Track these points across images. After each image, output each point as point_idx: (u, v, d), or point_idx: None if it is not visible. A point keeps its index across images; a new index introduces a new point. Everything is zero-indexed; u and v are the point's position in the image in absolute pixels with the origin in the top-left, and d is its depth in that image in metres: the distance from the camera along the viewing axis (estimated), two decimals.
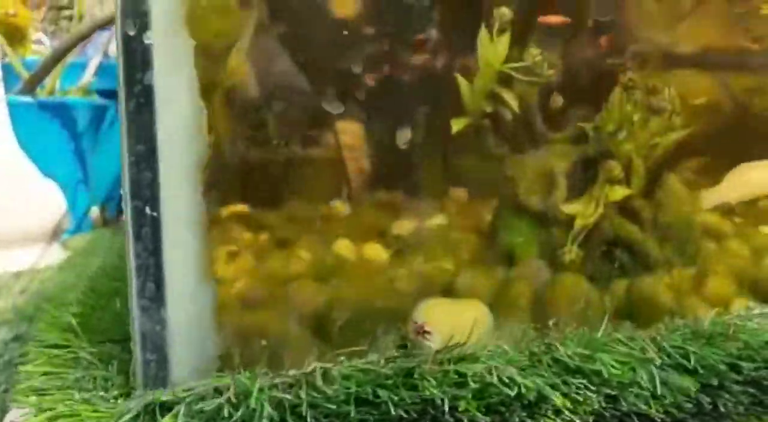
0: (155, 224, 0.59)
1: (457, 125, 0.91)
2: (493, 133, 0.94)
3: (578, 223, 0.88)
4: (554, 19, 1.45)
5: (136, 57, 0.56)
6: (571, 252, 0.86)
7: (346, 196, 2.18)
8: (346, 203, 1.72)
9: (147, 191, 0.58)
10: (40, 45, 2.79)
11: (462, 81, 0.92)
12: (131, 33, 0.55)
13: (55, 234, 1.95)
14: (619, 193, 0.91)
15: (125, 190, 0.58)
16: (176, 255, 0.60)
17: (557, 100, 1.47)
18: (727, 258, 0.99)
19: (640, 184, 0.94)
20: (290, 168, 1.83)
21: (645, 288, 0.83)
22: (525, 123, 0.99)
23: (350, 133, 2.37)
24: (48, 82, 2.27)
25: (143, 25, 0.56)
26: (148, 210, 0.58)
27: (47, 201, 1.92)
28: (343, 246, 1.23)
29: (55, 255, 1.86)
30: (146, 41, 0.56)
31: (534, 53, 0.89)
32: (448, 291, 0.83)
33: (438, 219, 1.51)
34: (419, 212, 1.59)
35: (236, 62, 0.77)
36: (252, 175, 1.12)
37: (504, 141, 0.94)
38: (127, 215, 0.58)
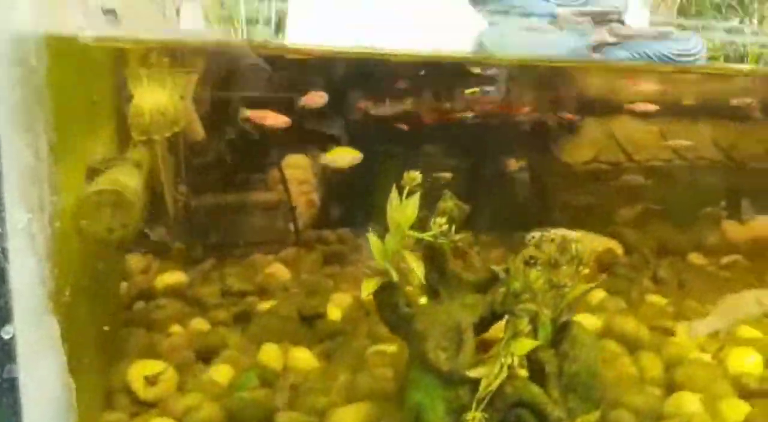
0: None
1: (367, 288, 0.92)
2: (404, 291, 0.95)
3: (483, 386, 0.90)
4: None
5: None
6: (475, 420, 0.88)
7: (294, 235, 2.17)
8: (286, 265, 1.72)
9: None
10: None
11: (374, 241, 0.92)
12: None
13: None
14: (527, 345, 0.93)
15: None
16: None
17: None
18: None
19: (547, 335, 0.97)
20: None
21: None
22: (437, 271, 1.00)
23: (301, 167, 2.34)
24: None
25: (3, 319, 0.55)
26: None
27: None
28: (270, 353, 1.24)
29: None
30: (6, 336, 0.55)
31: (440, 222, 0.90)
32: None
33: None
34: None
35: None
36: None
37: (415, 297, 0.96)
38: None
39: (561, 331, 0.98)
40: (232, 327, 1.38)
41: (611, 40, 2.13)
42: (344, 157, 1.23)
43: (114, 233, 0.78)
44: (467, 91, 1.75)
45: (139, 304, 1.53)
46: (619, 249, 1.91)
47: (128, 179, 0.91)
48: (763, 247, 1.93)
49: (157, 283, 1.60)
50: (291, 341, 1.29)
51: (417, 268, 0.89)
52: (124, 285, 1.62)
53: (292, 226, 2.12)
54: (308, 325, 1.39)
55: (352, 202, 2.10)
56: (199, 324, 1.39)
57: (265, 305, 1.48)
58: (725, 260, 1.86)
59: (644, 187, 1.98)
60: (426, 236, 0.91)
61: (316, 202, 2.20)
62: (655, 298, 1.52)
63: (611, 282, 1.61)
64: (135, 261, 1.74)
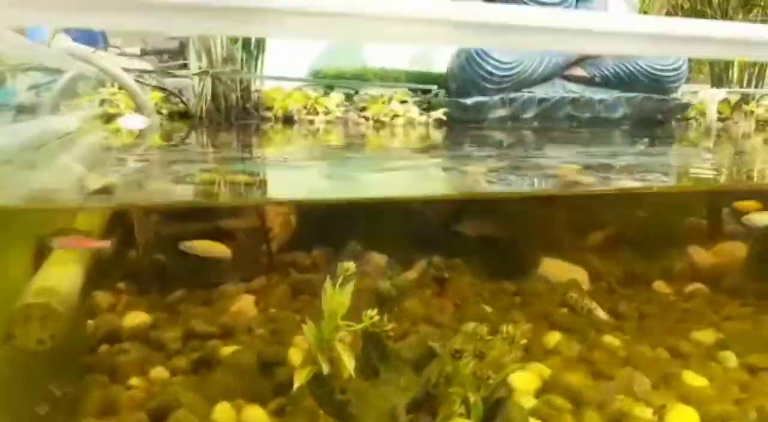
0: None
1: (299, 378, 0.94)
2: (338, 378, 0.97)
3: None
4: None
5: None
6: None
7: (267, 262, 2.19)
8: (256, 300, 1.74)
9: None
10: None
11: (309, 329, 0.94)
12: None
13: None
14: None
15: None
16: None
17: None
18: None
19: (479, 414, 1.00)
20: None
21: None
22: (377, 351, 1.02)
23: None
24: None
25: None
26: None
27: None
28: (222, 413, 1.27)
29: None
30: None
31: (370, 314, 0.92)
32: None
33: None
34: None
35: None
36: None
37: (348, 383, 0.98)
38: None
39: (494, 408, 1.00)
40: (191, 375, 1.41)
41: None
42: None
43: (44, 344, 0.80)
44: None
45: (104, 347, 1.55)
46: (583, 277, 1.94)
47: (63, 274, 0.93)
48: (728, 273, 1.95)
49: (123, 324, 1.62)
50: (247, 395, 1.31)
51: (347, 361, 0.91)
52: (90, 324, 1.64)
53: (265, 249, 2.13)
54: (268, 374, 1.41)
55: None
56: (160, 373, 1.41)
57: (227, 349, 1.50)
58: (689, 288, 1.88)
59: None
60: (357, 328, 0.93)
61: (292, 224, 2.21)
62: (610, 339, 1.54)
63: (570, 319, 1.63)
64: (102, 297, 1.76)
